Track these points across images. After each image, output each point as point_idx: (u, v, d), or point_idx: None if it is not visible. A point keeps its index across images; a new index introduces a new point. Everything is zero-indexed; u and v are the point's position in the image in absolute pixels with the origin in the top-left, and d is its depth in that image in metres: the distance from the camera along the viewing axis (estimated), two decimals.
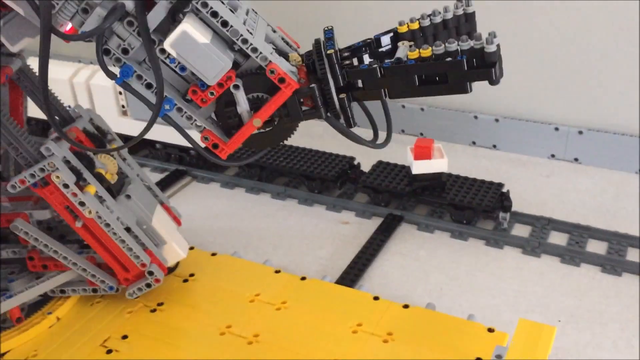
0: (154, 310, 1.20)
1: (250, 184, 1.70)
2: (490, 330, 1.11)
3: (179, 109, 0.93)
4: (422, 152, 1.48)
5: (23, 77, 1.17)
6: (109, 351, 1.11)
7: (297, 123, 0.96)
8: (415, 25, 0.95)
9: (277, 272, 1.29)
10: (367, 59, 0.97)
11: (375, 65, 0.90)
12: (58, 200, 1.09)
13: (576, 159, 1.75)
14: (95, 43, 0.90)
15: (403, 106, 1.92)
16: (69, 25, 0.92)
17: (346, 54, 0.96)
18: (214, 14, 0.88)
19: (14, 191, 1.08)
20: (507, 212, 1.44)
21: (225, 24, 0.89)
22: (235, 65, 0.93)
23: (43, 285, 1.18)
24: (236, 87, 0.92)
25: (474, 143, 1.87)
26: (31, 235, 1.14)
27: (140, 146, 1.85)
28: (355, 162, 1.68)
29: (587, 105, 1.72)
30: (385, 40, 0.97)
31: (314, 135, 1.86)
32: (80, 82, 1.77)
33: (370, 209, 1.56)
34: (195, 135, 0.96)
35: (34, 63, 1.08)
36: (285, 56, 0.94)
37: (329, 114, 0.94)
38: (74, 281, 1.20)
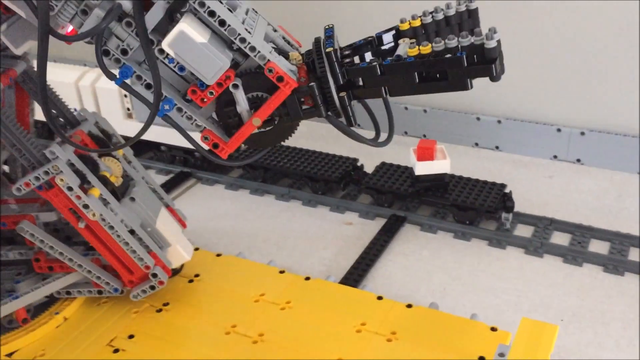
0: (159, 311, 1.21)
1: (254, 186, 1.70)
2: (493, 329, 1.11)
3: (179, 109, 0.94)
4: (425, 154, 1.48)
5: (28, 79, 1.18)
6: (116, 350, 1.12)
7: (298, 122, 0.96)
8: (417, 23, 0.94)
9: (282, 272, 1.30)
10: (369, 57, 0.96)
11: (374, 63, 0.89)
12: (62, 202, 1.10)
13: (578, 160, 1.75)
14: (95, 44, 0.90)
15: (406, 108, 1.93)
16: (70, 27, 0.92)
17: (347, 52, 0.96)
18: (212, 14, 0.88)
19: (19, 194, 1.09)
20: (510, 213, 1.45)
21: (222, 23, 0.89)
22: (235, 65, 0.93)
23: (49, 287, 1.19)
24: (235, 86, 0.92)
25: (476, 144, 1.88)
26: (37, 237, 1.15)
27: (145, 148, 1.86)
28: (359, 164, 1.69)
29: (589, 106, 1.72)
30: (387, 38, 0.97)
31: (317, 137, 1.87)
32: (85, 86, 1.79)
33: (373, 209, 1.57)
34: (197, 136, 0.97)
35: None
36: (286, 55, 0.94)
37: (329, 113, 0.93)
38: (80, 283, 1.21)
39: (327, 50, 0.91)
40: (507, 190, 1.50)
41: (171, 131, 0.99)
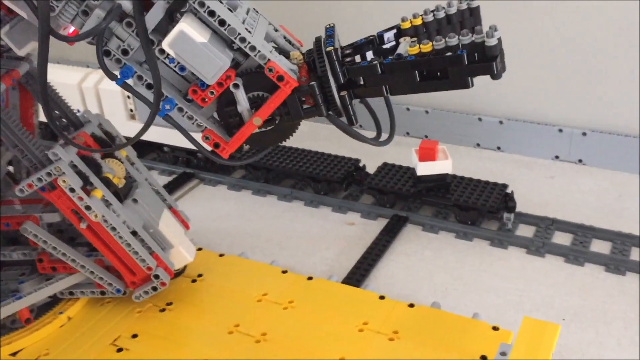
0: (163, 310, 1.21)
1: (256, 186, 1.71)
2: (495, 328, 1.11)
3: (180, 109, 0.94)
4: (427, 154, 1.49)
5: (31, 80, 1.18)
6: (119, 350, 1.13)
7: (299, 121, 0.96)
8: (418, 21, 0.94)
9: (284, 272, 1.30)
10: (370, 55, 0.96)
11: (375, 62, 0.89)
12: (65, 204, 1.10)
13: (580, 160, 1.75)
14: (95, 44, 0.91)
15: (408, 109, 1.93)
16: (72, 28, 0.93)
17: (348, 51, 0.96)
18: (212, 13, 0.89)
19: (22, 195, 1.10)
20: (512, 213, 1.45)
21: (222, 22, 0.89)
22: (236, 64, 0.93)
23: (52, 287, 1.19)
24: (236, 86, 0.92)
25: (478, 145, 1.88)
26: (40, 238, 1.15)
27: (148, 149, 1.86)
28: (361, 164, 1.69)
29: (591, 107, 1.72)
30: (389, 37, 0.96)
31: (319, 137, 1.87)
32: (89, 87, 1.79)
33: (375, 210, 1.57)
34: (198, 136, 0.97)
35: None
36: (287, 55, 0.94)
37: (330, 112, 0.93)
38: (83, 283, 1.21)
39: (328, 49, 0.91)
40: (508, 191, 1.50)
41: (174, 132, 1.00)
